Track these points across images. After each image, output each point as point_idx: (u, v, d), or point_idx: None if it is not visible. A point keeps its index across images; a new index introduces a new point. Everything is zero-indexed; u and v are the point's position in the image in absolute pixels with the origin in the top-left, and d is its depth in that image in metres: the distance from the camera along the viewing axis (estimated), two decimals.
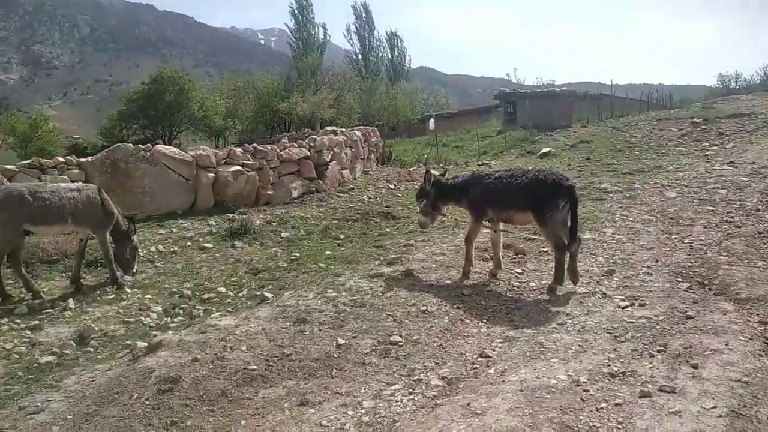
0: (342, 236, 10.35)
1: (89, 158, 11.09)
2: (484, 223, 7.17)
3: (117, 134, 50.20)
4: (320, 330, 5.49)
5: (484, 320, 5.78)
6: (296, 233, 10.71)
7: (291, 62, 53.37)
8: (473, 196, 7.05)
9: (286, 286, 7.60)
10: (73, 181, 10.61)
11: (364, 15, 63.48)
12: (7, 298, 7.45)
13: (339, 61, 60.78)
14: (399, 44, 63.26)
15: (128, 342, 5.94)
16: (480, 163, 18.75)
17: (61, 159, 10.76)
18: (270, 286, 7.73)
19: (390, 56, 62.59)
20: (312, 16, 58.76)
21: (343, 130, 19.85)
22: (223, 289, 7.84)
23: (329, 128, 21.93)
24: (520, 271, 7.32)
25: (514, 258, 7.89)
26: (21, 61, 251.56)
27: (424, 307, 5.97)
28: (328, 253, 9.12)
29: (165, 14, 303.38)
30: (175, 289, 7.91)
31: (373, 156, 18.01)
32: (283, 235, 10.58)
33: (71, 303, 7.27)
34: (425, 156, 20.08)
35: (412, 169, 17.50)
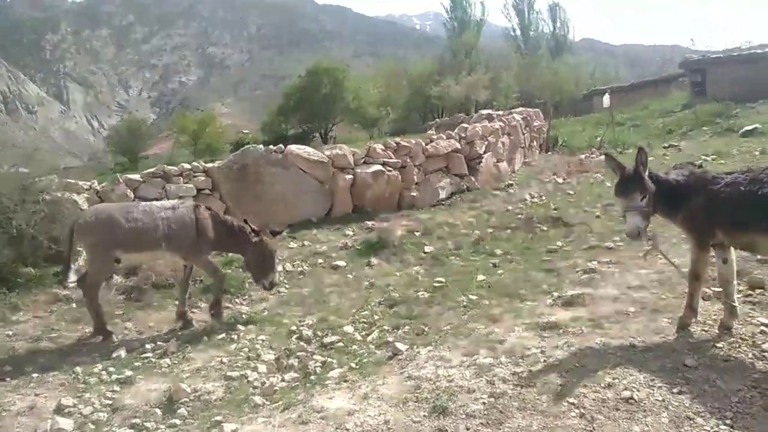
0: (499, 252, 8.34)
1: (217, 164, 10.13)
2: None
3: (277, 129, 51.93)
4: (468, 430, 3.65)
5: (727, 419, 3.55)
6: (442, 247, 8.90)
7: (446, 44, 51.39)
8: (695, 209, 4.64)
9: (425, 331, 5.82)
10: (199, 190, 9.76)
11: None
12: (108, 336, 6.46)
13: (496, 40, 57.78)
14: (561, 15, 58.58)
15: (219, 418, 4.54)
16: (667, 145, 15.61)
17: (187, 166, 9.91)
18: (406, 328, 6.00)
19: (552, 29, 58.17)
20: None
21: (500, 113, 17.67)
22: (350, 329, 6.25)
23: (484, 112, 19.79)
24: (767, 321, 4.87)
25: (750, 295, 5.36)
26: (198, 64, 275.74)
27: (627, 391, 3.85)
28: (480, 278, 7.18)
29: (324, 7, 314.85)
30: (294, 327, 6.46)
31: (535, 143, 15.63)
32: (426, 249, 8.83)
33: (172, 345, 6.09)
34: (599, 139, 17.16)
35: (583, 156, 14.87)
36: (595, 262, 6.92)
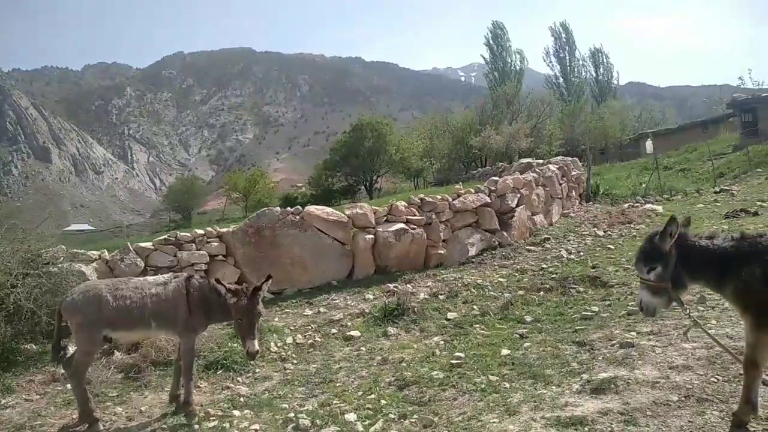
0: (528, 319, 7.51)
1: (231, 228, 9.74)
2: None
3: (323, 183, 52.45)
4: None
5: None
6: (467, 312, 8.12)
7: (488, 95, 51.42)
8: (751, 281, 3.80)
9: (434, 423, 5.05)
10: (212, 256, 9.34)
11: (563, 35, 59.66)
12: (95, 424, 5.90)
13: (538, 87, 57.47)
14: (604, 61, 58.16)
15: None
16: (718, 189, 14.46)
17: (200, 231, 9.54)
18: (414, 418, 5.24)
19: (594, 75, 57.57)
20: (508, 44, 56.51)
21: (539, 162, 16.99)
22: (352, 417, 5.50)
23: (524, 161, 19.14)
24: None
25: None
26: (254, 122, 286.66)
27: None
28: (504, 352, 6.35)
29: (372, 64, 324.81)
30: (292, 414, 5.76)
31: (574, 192, 14.73)
32: (449, 315, 8.07)
33: None
34: (643, 186, 16.08)
35: (626, 206, 13.88)
36: (634, 333, 6.05)
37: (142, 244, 9.19)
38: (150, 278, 6.45)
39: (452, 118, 45.10)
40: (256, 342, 5.69)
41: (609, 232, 11.38)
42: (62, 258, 8.47)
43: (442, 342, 7.22)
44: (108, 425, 5.94)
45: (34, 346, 7.62)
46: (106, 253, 9.02)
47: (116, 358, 7.48)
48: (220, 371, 7.10)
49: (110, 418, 6.11)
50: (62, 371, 6.89)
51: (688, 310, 4.09)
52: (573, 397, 4.73)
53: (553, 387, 5.11)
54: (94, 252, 9.01)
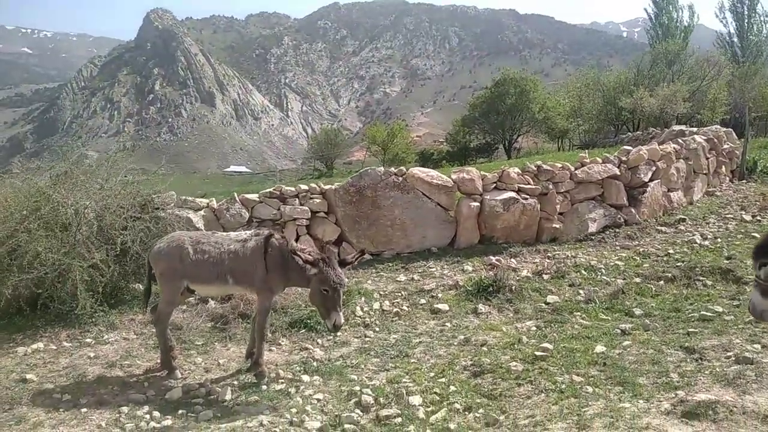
0: (638, 312, 6.64)
1: (335, 185, 9.59)
2: None
3: (460, 140, 51.54)
4: None
5: None
6: (570, 297, 7.39)
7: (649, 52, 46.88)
8: None
9: (498, 421, 4.58)
10: (314, 212, 9.31)
11: None
12: (173, 372, 6.09)
13: (708, 46, 51.57)
14: None
15: None
16: None
17: (304, 187, 9.50)
18: (479, 412, 4.81)
19: None
20: None
21: (693, 130, 15.18)
22: (416, 401, 5.14)
23: (677, 128, 17.27)
24: None
25: None
26: (402, 75, 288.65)
27: None
28: (598, 349, 5.61)
29: (526, 17, 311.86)
30: (358, 388, 5.54)
31: (724, 168, 12.89)
32: (549, 299, 7.38)
33: (228, 393, 5.53)
34: None
35: None
36: (758, 346, 5.07)
37: (248, 196, 9.33)
38: (232, 234, 6.45)
39: (605, 76, 41.77)
40: (341, 314, 5.52)
41: (758, 218, 9.79)
42: (172, 204, 8.83)
43: (534, 328, 6.61)
44: (186, 374, 6.11)
45: (140, 286, 8.04)
46: (214, 202, 9.27)
47: (209, 306, 7.71)
48: (303, 330, 7.06)
49: (189, 368, 6.29)
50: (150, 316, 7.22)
51: None
52: (658, 419, 4.03)
53: (640, 401, 4.40)
54: (203, 200, 9.30)
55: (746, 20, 49.80)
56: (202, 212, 9.02)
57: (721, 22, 51.66)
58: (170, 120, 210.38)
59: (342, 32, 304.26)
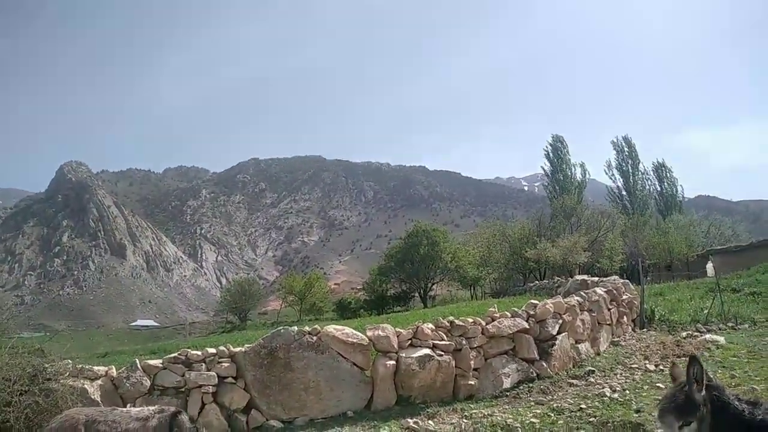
0: None
1: (244, 348, 9.25)
2: None
3: (377, 288, 51.90)
4: None
5: None
6: None
7: (547, 206, 50.91)
8: None
9: None
10: (222, 378, 8.84)
11: (626, 149, 59.53)
12: None
13: (601, 198, 56.59)
14: (668, 175, 57.29)
15: None
16: None
17: (211, 350, 9.08)
18: None
19: (659, 189, 56.47)
20: (568, 157, 56.68)
21: (595, 280, 16.06)
22: None
23: (579, 278, 18.16)
24: None
25: None
26: (320, 225, 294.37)
27: None
28: None
29: (435, 173, 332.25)
30: None
31: (625, 318, 13.55)
32: None
33: None
34: (705, 312, 14.66)
35: (684, 335, 12.60)
36: None
37: (151, 362, 8.80)
38: (133, 410, 6.00)
39: (510, 227, 44.39)
40: None
41: (661, 367, 10.18)
42: (66, 374, 8.17)
43: None
44: None
45: None
46: (113, 370, 8.66)
47: None
48: None
49: None
50: None
51: None
52: None
53: None
54: (101, 368, 8.69)
55: (631, 178, 55.50)
56: (99, 381, 8.40)
57: (611, 178, 57.40)
58: (76, 273, 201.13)
59: (261, 185, 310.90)
